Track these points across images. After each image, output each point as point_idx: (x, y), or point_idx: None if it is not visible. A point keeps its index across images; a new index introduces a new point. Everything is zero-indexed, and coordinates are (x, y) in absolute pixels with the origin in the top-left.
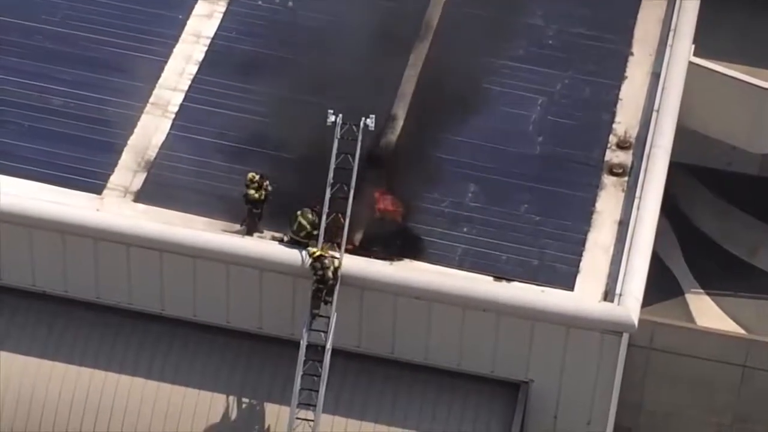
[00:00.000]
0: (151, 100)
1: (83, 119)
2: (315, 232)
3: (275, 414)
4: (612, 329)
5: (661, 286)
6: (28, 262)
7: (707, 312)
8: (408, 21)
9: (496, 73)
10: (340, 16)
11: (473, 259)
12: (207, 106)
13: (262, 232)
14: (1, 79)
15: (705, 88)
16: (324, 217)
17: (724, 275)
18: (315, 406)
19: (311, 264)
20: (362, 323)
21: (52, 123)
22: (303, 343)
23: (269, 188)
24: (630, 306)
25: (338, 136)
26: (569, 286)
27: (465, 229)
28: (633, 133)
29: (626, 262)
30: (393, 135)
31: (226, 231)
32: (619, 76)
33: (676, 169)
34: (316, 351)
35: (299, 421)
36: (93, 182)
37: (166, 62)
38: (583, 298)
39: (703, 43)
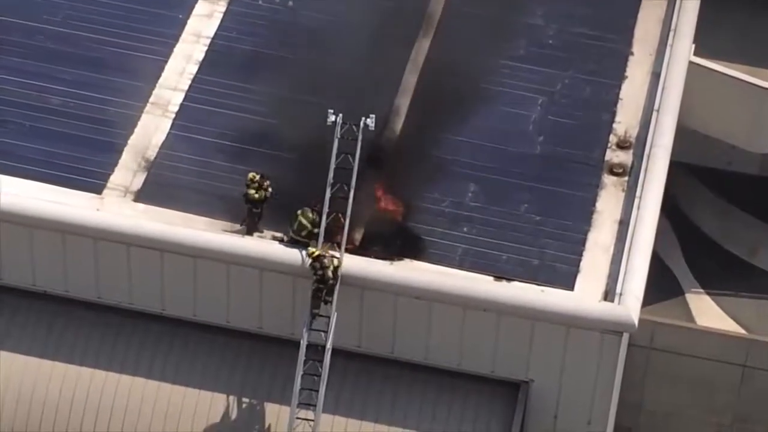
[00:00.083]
0: (152, 99)
1: (83, 119)
2: (316, 231)
3: (275, 414)
4: (612, 329)
5: (662, 285)
6: (29, 262)
7: (707, 312)
8: (408, 21)
9: (497, 73)
10: (340, 16)
11: (473, 258)
12: (207, 106)
13: (262, 232)
14: (1, 79)
15: (705, 88)
16: (324, 217)
17: (724, 275)
18: (315, 405)
19: (311, 264)
20: (362, 323)
21: (53, 123)
22: (303, 343)
23: (269, 188)
24: (630, 306)
25: (338, 136)
26: (569, 285)
27: (465, 229)
28: (633, 132)
29: (626, 261)
30: (393, 133)
31: (226, 231)
32: (620, 76)
33: (676, 168)
34: (316, 351)
35: (299, 420)
36: (93, 182)
37: (166, 62)
38: (584, 297)
39: (703, 43)
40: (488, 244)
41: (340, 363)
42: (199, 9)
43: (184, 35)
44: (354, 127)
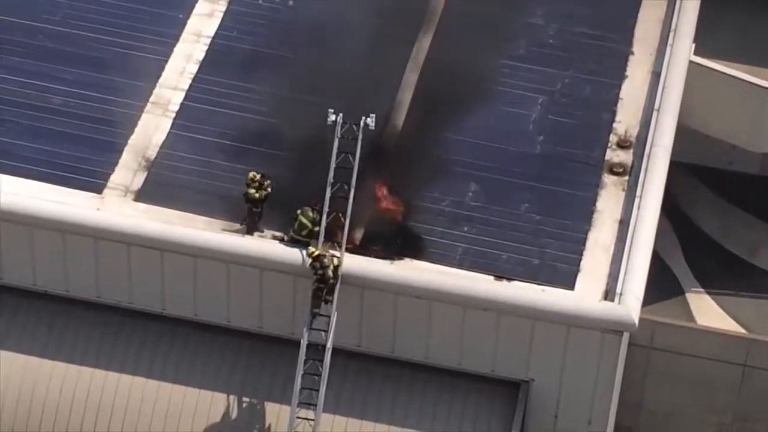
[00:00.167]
0: (152, 99)
1: (84, 118)
2: (317, 229)
3: (276, 413)
4: (612, 328)
5: (662, 285)
6: (29, 262)
7: (708, 311)
8: (408, 21)
9: (497, 72)
10: (340, 15)
11: (474, 258)
12: (207, 106)
13: (262, 232)
14: (1, 79)
15: (705, 88)
16: (324, 217)
17: (724, 274)
18: (315, 405)
19: (311, 264)
20: (363, 322)
21: (53, 122)
22: (303, 342)
23: (269, 188)
24: (630, 305)
25: (338, 136)
26: (570, 285)
27: (465, 229)
28: (633, 132)
29: (627, 261)
30: (395, 130)
31: (226, 230)
32: (620, 76)
33: (676, 168)
34: (316, 350)
35: (300, 420)
36: (93, 181)
37: (166, 61)
38: (584, 297)
39: (703, 43)
40: (488, 243)
41: (340, 362)
42: (199, 8)
43: (184, 35)
44: (354, 126)
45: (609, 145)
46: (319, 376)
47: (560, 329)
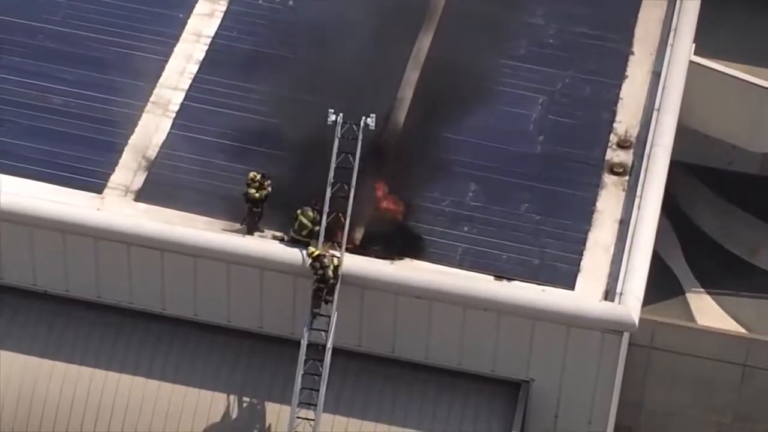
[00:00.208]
0: (152, 99)
1: (84, 118)
2: (317, 229)
3: (276, 413)
4: (613, 328)
5: (662, 285)
6: (29, 262)
7: (708, 311)
8: (409, 20)
9: (497, 72)
10: (340, 15)
11: (474, 258)
12: (208, 105)
13: (262, 232)
14: (1, 78)
15: (705, 88)
16: (324, 217)
17: (724, 274)
18: (315, 405)
19: (311, 264)
20: (363, 322)
21: (53, 122)
22: (304, 342)
23: (270, 188)
24: (631, 305)
25: (339, 136)
26: (570, 285)
27: (465, 228)
28: (633, 132)
29: (627, 261)
30: (395, 129)
31: (226, 230)
32: (620, 75)
33: (676, 168)
34: (316, 350)
35: (300, 420)
36: (94, 181)
37: (166, 61)
38: (584, 297)
39: (703, 42)
40: (489, 243)
41: (340, 362)
42: (199, 8)
43: (184, 35)
44: (354, 126)
45: (609, 145)
46: (320, 376)
47: (560, 329)
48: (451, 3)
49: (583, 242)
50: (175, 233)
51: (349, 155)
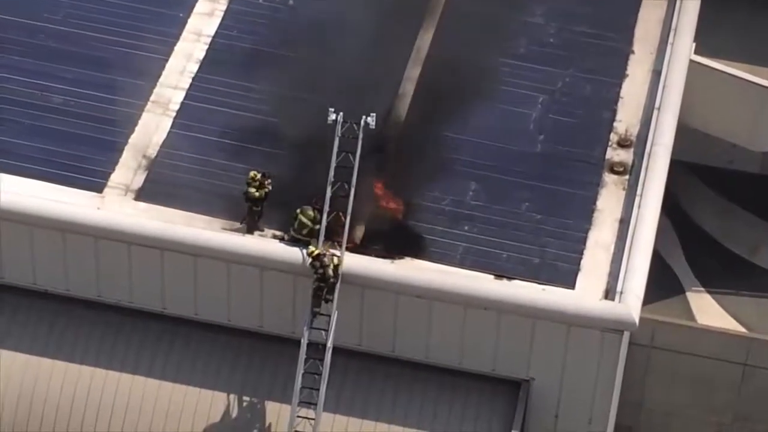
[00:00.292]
0: (152, 98)
1: (84, 117)
2: (317, 228)
3: (276, 412)
4: (613, 327)
5: (662, 284)
6: (29, 261)
7: (708, 310)
8: (409, 20)
9: (497, 72)
10: (340, 14)
11: (474, 257)
12: (208, 105)
13: (262, 231)
14: (2, 78)
15: (706, 87)
16: (325, 216)
17: (725, 273)
18: (316, 404)
19: (311, 263)
20: (363, 321)
21: (53, 121)
22: (304, 342)
23: (270, 186)
24: (631, 304)
25: (339, 135)
26: (570, 284)
27: (466, 228)
28: (634, 131)
29: (627, 260)
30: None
31: (226, 229)
32: (620, 75)
33: (677, 167)
34: (317, 349)
35: (300, 419)
36: (94, 180)
37: (167, 60)
38: (584, 296)
39: (703, 41)
40: (489, 242)
41: (340, 361)
42: (199, 7)
43: (184, 34)
44: (355, 125)
45: (609, 144)
46: (320, 375)
47: (561, 328)
48: (451, 3)
49: (583, 241)
50: (175, 232)
51: (350, 154)
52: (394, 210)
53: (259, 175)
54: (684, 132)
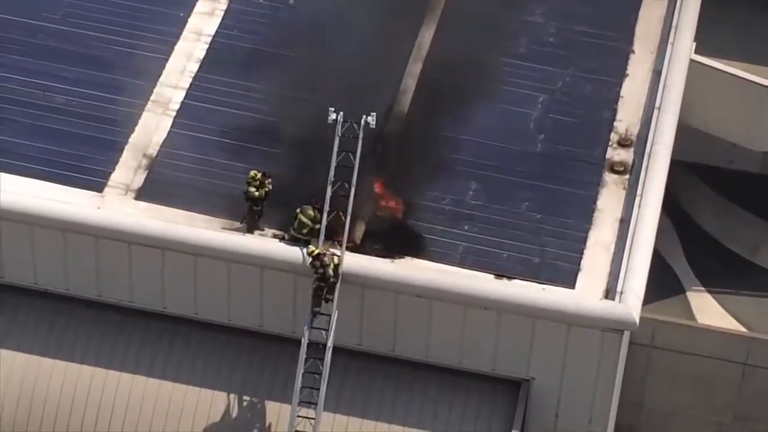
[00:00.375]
0: (153, 97)
1: (85, 117)
2: (317, 227)
3: (276, 412)
4: (613, 327)
5: (663, 283)
6: (30, 260)
7: (708, 310)
8: (409, 19)
9: (498, 71)
10: (340, 14)
11: (474, 256)
12: (208, 104)
13: (263, 230)
14: (2, 77)
15: (706, 86)
16: (325, 215)
17: (725, 273)
18: (316, 404)
19: (311, 262)
20: (363, 321)
21: (54, 121)
22: (304, 341)
23: (270, 186)
24: (631, 304)
25: (339, 134)
26: (570, 283)
27: (466, 227)
28: (634, 130)
29: (627, 259)
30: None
31: (226, 229)
32: (621, 74)
33: (677, 166)
34: (317, 349)
35: (300, 418)
36: (94, 180)
37: (167, 60)
38: (584, 295)
39: (704, 41)
40: (489, 242)
41: (341, 361)
42: (200, 7)
43: (185, 33)
44: (355, 124)
45: (610, 143)
46: (320, 374)
47: (561, 328)
48: (451, 3)
49: (583, 241)
50: (175, 232)
51: (350, 154)
52: (395, 209)
53: (259, 175)
54: (684, 131)
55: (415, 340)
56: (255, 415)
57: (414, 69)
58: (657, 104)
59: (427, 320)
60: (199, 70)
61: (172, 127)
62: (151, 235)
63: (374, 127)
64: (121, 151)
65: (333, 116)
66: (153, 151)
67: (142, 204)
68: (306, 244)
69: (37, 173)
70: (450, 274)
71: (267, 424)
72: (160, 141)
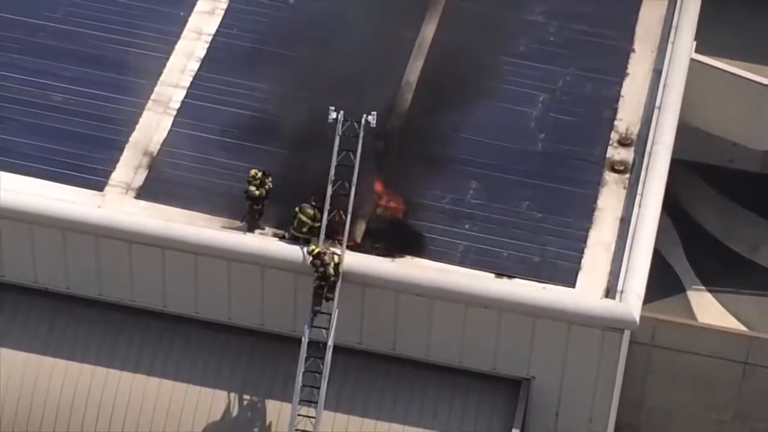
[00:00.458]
0: (153, 96)
1: (85, 116)
2: (317, 225)
3: (277, 411)
4: (613, 326)
5: (663, 282)
6: (30, 259)
7: (709, 309)
8: (410, 19)
9: (498, 70)
10: (340, 13)
11: (475, 255)
12: (208, 103)
13: (263, 229)
14: (2, 76)
15: (707, 85)
16: (325, 214)
17: (725, 272)
18: (316, 403)
19: (311, 261)
20: (364, 320)
21: (54, 120)
22: (304, 340)
23: (270, 184)
24: (631, 303)
25: (339, 133)
26: (571, 282)
27: (466, 226)
28: (634, 129)
29: (628, 259)
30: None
31: (227, 227)
32: (621, 73)
33: (677, 166)
34: (317, 348)
35: (301, 417)
36: (95, 179)
37: (167, 59)
38: (585, 294)
39: (704, 40)
40: (489, 241)
41: (341, 360)
42: (200, 6)
43: (185, 32)
44: (355, 123)
45: (610, 142)
46: (320, 373)
47: (561, 327)
48: (451, 2)
49: (583, 240)
50: (176, 231)
51: (350, 153)
52: (395, 208)
53: (259, 174)
54: (685, 131)
55: (415, 339)
56: (255, 414)
57: (414, 68)
58: (657, 103)
59: (428, 319)
60: (199, 69)
61: (172, 126)
62: (152, 234)
63: (374, 126)
64: (121, 150)
65: (333, 115)
66: (153, 150)
67: (143, 203)
68: (306, 243)
69: (38, 172)
70: (450, 273)
71: (267, 423)
72: (161, 140)
